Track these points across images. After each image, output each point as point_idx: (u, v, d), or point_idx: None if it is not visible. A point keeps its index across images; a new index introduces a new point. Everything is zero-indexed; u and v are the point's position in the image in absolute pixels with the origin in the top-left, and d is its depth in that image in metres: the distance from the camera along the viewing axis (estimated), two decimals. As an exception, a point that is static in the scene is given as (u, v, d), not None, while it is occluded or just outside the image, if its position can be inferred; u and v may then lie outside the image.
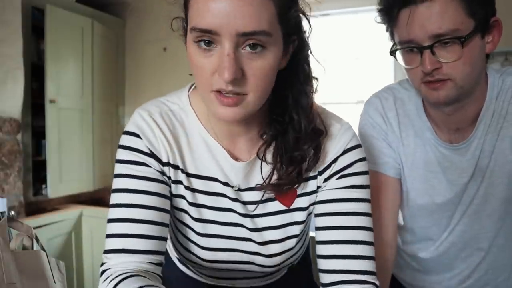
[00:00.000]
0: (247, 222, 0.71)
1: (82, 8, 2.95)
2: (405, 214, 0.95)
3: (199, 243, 0.72)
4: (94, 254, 2.71)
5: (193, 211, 0.70)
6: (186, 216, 0.72)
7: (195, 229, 0.72)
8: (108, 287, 0.58)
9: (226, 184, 0.69)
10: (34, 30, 2.65)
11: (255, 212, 0.71)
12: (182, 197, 0.70)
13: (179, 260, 0.87)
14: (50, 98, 2.62)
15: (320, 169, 0.68)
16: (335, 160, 0.67)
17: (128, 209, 0.63)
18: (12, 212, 2.30)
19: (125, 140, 0.67)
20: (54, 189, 2.69)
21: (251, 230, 0.71)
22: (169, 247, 0.88)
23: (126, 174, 0.65)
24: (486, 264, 0.88)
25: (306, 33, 0.64)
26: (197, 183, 0.69)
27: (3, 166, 2.34)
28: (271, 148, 0.67)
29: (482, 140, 0.80)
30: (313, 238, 0.75)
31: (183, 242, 0.75)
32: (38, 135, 2.72)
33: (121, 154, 0.67)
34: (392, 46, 0.80)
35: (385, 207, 0.87)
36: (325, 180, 0.68)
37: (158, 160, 0.66)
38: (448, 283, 0.93)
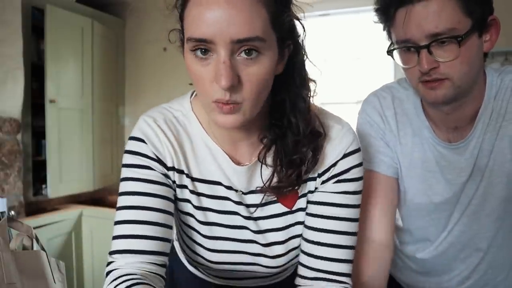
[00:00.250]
0: (250, 224, 0.73)
1: (82, 8, 2.95)
2: (403, 214, 0.95)
3: (205, 245, 0.74)
4: (94, 254, 2.71)
5: (199, 214, 0.72)
6: (192, 219, 0.73)
7: (202, 232, 0.73)
8: None
9: (229, 188, 0.71)
10: (34, 30, 2.65)
11: (258, 215, 0.72)
12: (188, 201, 0.72)
13: (187, 261, 0.88)
14: (50, 98, 2.62)
15: (320, 172, 0.69)
16: (334, 164, 0.68)
17: (134, 211, 0.65)
18: (12, 212, 2.30)
19: (131, 145, 0.68)
20: (54, 189, 2.69)
21: (255, 232, 0.73)
22: (178, 249, 0.90)
23: (132, 178, 0.67)
24: (485, 265, 0.87)
25: (301, 37, 0.65)
26: (202, 187, 0.71)
27: (3, 166, 2.34)
28: (271, 152, 0.68)
29: (481, 139, 0.80)
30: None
31: (190, 245, 0.77)
32: (38, 135, 2.72)
33: (127, 159, 0.68)
34: (390, 45, 0.80)
35: (382, 207, 0.87)
36: (323, 182, 0.70)
37: (163, 164, 0.68)
38: (447, 284, 0.93)
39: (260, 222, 0.73)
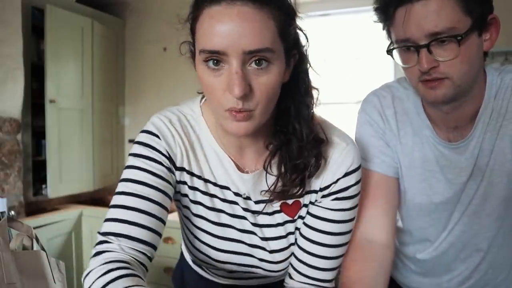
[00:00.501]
0: (258, 231, 0.76)
1: (82, 8, 2.95)
2: (403, 215, 0.94)
3: (214, 245, 0.77)
4: (94, 254, 2.71)
5: (212, 215, 0.75)
6: (204, 221, 0.76)
7: (214, 232, 0.76)
8: (100, 279, 0.59)
9: (236, 194, 0.74)
10: (34, 30, 2.65)
11: (263, 222, 0.76)
12: (200, 203, 0.75)
13: (193, 262, 0.90)
14: (50, 98, 2.62)
15: (322, 186, 0.72)
16: (336, 181, 0.71)
17: (134, 198, 0.66)
18: (12, 212, 2.30)
19: (143, 137, 0.70)
20: (54, 189, 2.69)
21: (262, 239, 0.76)
22: (184, 250, 0.94)
23: (139, 167, 0.68)
24: (486, 264, 0.87)
25: (305, 48, 0.69)
26: (214, 189, 0.74)
27: (3, 166, 2.34)
28: (276, 159, 0.71)
29: (481, 139, 0.79)
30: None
31: (199, 247, 0.79)
32: (38, 135, 2.72)
33: (137, 149, 0.70)
34: (389, 45, 0.79)
35: (383, 207, 0.87)
36: (323, 196, 0.73)
37: (173, 163, 0.70)
38: (447, 285, 0.93)
39: (265, 229, 0.76)
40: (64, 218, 2.64)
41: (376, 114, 0.88)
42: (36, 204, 2.72)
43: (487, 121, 0.79)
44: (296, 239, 0.77)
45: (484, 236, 0.85)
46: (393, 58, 0.78)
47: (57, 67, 2.69)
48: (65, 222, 2.65)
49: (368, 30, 2.52)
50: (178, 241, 2.31)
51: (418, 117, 0.85)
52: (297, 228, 0.77)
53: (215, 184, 0.74)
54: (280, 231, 0.77)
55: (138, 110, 3.35)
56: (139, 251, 0.65)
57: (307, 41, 0.68)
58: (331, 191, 0.72)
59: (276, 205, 0.75)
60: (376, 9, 0.78)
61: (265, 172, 0.71)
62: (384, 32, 0.81)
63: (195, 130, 0.73)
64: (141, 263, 0.65)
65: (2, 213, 0.69)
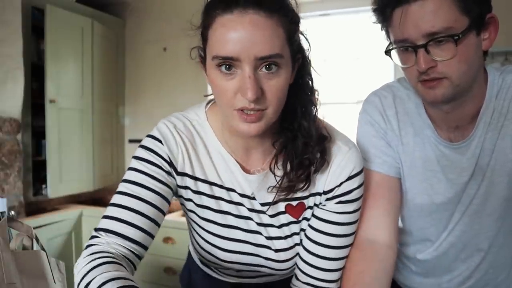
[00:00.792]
0: (263, 230, 0.78)
1: (82, 8, 2.95)
2: (404, 215, 0.94)
3: (221, 246, 0.79)
4: (94, 254, 2.71)
5: (218, 217, 0.78)
6: (210, 223, 0.78)
7: (221, 234, 0.79)
8: (86, 266, 0.62)
9: (242, 195, 0.76)
10: (34, 30, 2.65)
11: (268, 222, 0.78)
12: (207, 207, 0.77)
13: (201, 261, 0.92)
14: (50, 98, 2.62)
15: (326, 189, 0.74)
16: (339, 185, 0.74)
17: (129, 198, 0.69)
18: (12, 212, 2.30)
19: (147, 141, 0.74)
20: (54, 189, 2.69)
21: (267, 238, 0.78)
22: (192, 250, 0.96)
23: (139, 170, 0.71)
24: (486, 264, 0.87)
25: (307, 51, 0.72)
26: (220, 192, 0.76)
27: (3, 166, 2.34)
28: (281, 159, 0.73)
29: (482, 139, 0.79)
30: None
31: (206, 248, 0.81)
32: (38, 135, 2.72)
33: (140, 152, 0.73)
34: (388, 45, 0.79)
35: (385, 207, 0.86)
36: (327, 199, 0.75)
37: (174, 167, 0.73)
38: (447, 285, 0.92)
39: (270, 229, 0.78)
40: (64, 218, 2.64)
41: (377, 114, 0.88)
42: (36, 204, 2.72)
43: (489, 121, 0.79)
44: (301, 241, 0.79)
45: (485, 236, 0.85)
46: (392, 59, 0.79)
47: (57, 67, 2.69)
48: (65, 222, 2.65)
49: (368, 30, 2.52)
50: (178, 241, 2.31)
51: (419, 117, 0.85)
52: (302, 229, 0.79)
53: (221, 187, 0.76)
54: (284, 231, 0.79)
55: (138, 110, 3.35)
56: (128, 249, 0.68)
57: (309, 45, 0.72)
58: (335, 194, 0.74)
59: (281, 206, 0.77)
60: (374, 10, 0.79)
61: (271, 172, 0.74)
62: (383, 32, 0.81)
63: (200, 134, 0.76)
64: (129, 260, 0.68)
65: (2, 213, 0.69)
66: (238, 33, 0.58)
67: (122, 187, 0.71)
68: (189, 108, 0.80)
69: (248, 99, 0.60)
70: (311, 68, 0.73)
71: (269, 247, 0.79)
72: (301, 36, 0.70)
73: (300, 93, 0.72)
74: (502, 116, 0.78)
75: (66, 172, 2.78)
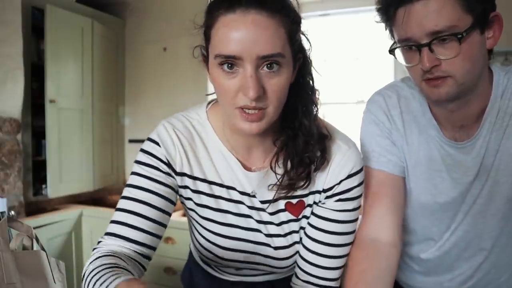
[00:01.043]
0: (262, 228, 0.79)
1: (82, 8, 2.95)
2: (407, 214, 0.94)
3: (220, 244, 0.80)
4: (94, 254, 2.71)
5: (218, 216, 0.79)
6: (210, 222, 0.79)
7: (220, 232, 0.79)
8: (89, 265, 0.65)
9: (242, 193, 0.77)
10: (34, 30, 2.65)
11: (268, 219, 0.78)
12: (206, 206, 0.78)
13: (201, 260, 0.93)
14: (50, 98, 2.62)
15: (326, 187, 0.76)
16: (339, 183, 0.75)
17: (133, 202, 0.72)
18: (12, 212, 2.30)
19: (145, 145, 0.76)
20: (54, 189, 2.69)
21: (266, 235, 0.79)
22: (192, 249, 0.98)
23: (140, 174, 0.74)
24: (489, 264, 0.87)
25: (308, 51, 0.73)
26: (219, 191, 0.77)
27: (3, 166, 2.34)
28: (282, 157, 0.74)
29: (487, 138, 0.79)
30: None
31: (206, 246, 0.82)
32: (38, 135, 2.72)
33: (140, 156, 0.76)
34: (392, 44, 0.80)
35: (389, 206, 0.86)
36: (326, 197, 0.76)
37: (172, 168, 0.75)
38: (448, 284, 0.92)
39: (270, 226, 0.79)
40: (64, 218, 2.64)
41: (381, 114, 0.88)
42: (36, 204, 2.71)
43: (494, 121, 0.79)
44: (301, 239, 0.80)
45: (488, 235, 0.84)
46: (396, 58, 0.79)
47: (57, 67, 2.68)
48: (65, 222, 2.64)
49: (368, 30, 2.52)
50: (178, 241, 2.31)
51: (424, 116, 0.85)
52: (301, 228, 0.80)
53: (221, 185, 0.77)
54: (284, 229, 0.79)
55: (138, 110, 3.35)
56: (134, 251, 0.70)
57: (310, 45, 0.72)
58: (334, 192, 0.75)
59: (281, 204, 0.78)
60: (378, 10, 0.79)
61: (271, 170, 0.75)
62: (387, 32, 0.81)
63: (200, 134, 0.77)
64: (136, 261, 0.70)
65: (2, 213, 0.69)
66: (241, 33, 0.59)
67: (126, 191, 0.74)
68: (191, 108, 0.81)
69: (250, 98, 0.61)
70: (312, 68, 0.74)
71: (268, 245, 0.80)
72: (302, 36, 0.70)
73: (301, 92, 0.73)
74: (507, 116, 0.78)
75: (66, 172, 2.78)
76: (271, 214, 0.78)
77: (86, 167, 2.97)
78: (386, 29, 0.81)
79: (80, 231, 2.75)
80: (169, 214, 0.75)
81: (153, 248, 0.73)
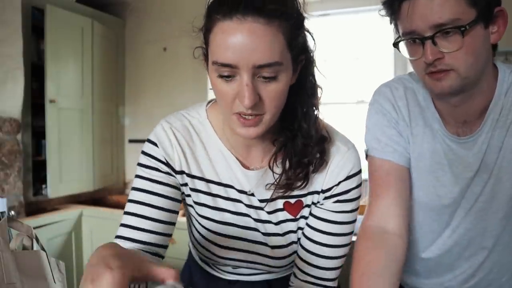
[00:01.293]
0: (260, 227, 0.79)
1: (82, 8, 2.95)
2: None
3: (218, 243, 0.80)
4: (94, 254, 2.70)
5: (215, 214, 0.79)
6: (207, 220, 0.79)
7: (217, 231, 0.80)
8: None
9: (241, 191, 0.77)
10: (34, 30, 2.65)
11: (266, 218, 0.78)
12: (204, 205, 0.79)
13: (200, 258, 0.94)
14: (50, 98, 2.62)
15: (324, 188, 0.76)
16: (338, 184, 0.75)
17: (139, 205, 0.73)
18: (12, 212, 2.30)
19: (145, 146, 0.76)
20: (54, 189, 2.69)
21: (264, 234, 0.79)
22: (191, 247, 0.98)
23: (142, 176, 0.75)
24: (491, 263, 0.87)
25: (311, 51, 0.71)
26: (217, 189, 0.77)
27: (3, 166, 2.34)
28: (281, 156, 0.74)
29: (490, 135, 0.79)
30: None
31: (203, 244, 0.82)
32: (38, 135, 2.72)
33: (141, 159, 0.76)
34: (397, 38, 0.80)
35: (394, 196, 0.85)
36: (325, 198, 0.76)
37: (171, 168, 0.75)
38: (449, 284, 0.92)
39: (267, 225, 0.79)
40: (64, 218, 2.64)
41: (388, 105, 0.88)
42: (36, 204, 2.72)
43: (497, 118, 0.79)
44: (299, 239, 0.80)
45: (490, 234, 0.84)
46: (400, 51, 0.79)
47: (57, 67, 2.69)
48: (65, 222, 2.64)
49: (368, 30, 2.52)
50: (178, 241, 2.31)
51: (428, 110, 0.86)
52: (299, 228, 0.80)
53: (218, 184, 0.77)
54: (282, 228, 0.79)
55: (138, 110, 3.35)
56: (146, 252, 0.71)
57: (314, 43, 0.71)
58: (333, 193, 0.75)
59: (279, 203, 0.78)
60: (383, 3, 0.79)
61: (270, 169, 0.75)
62: (387, 31, 0.82)
63: (199, 132, 0.77)
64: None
65: (2, 213, 0.69)
66: (237, 41, 0.58)
67: (131, 194, 0.75)
68: (191, 107, 0.81)
69: (245, 106, 0.61)
70: (315, 69, 0.73)
71: (265, 244, 0.80)
72: (306, 36, 0.69)
73: (301, 93, 0.72)
74: (511, 114, 0.78)
75: (66, 172, 2.78)
76: (269, 213, 0.78)
77: (86, 167, 2.97)
78: (391, 23, 0.81)
79: (80, 231, 2.75)
80: (176, 212, 0.77)
81: (165, 247, 0.75)
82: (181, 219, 0.83)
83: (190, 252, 1.03)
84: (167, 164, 0.74)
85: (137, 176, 0.76)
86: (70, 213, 2.71)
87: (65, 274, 0.64)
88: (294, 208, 0.78)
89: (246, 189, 0.77)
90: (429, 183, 0.86)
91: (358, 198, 0.78)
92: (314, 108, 0.73)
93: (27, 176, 2.62)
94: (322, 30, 2.71)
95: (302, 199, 0.77)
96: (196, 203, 0.79)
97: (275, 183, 0.74)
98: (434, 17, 0.70)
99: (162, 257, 0.75)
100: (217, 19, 0.61)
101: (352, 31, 2.68)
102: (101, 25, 3.06)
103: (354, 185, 0.76)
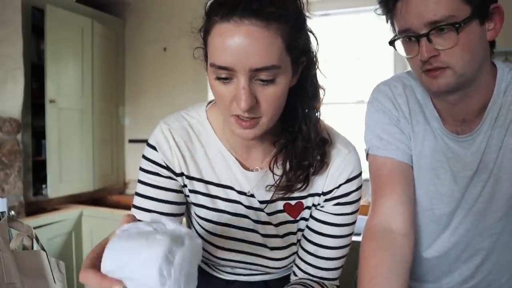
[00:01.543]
0: (259, 228, 0.79)
1: (82, 8, 2.95)
2: None
3: (216, 244, 0.80)
4: (94, 254, 2.70)
5: (214, 216, 0.78)
6: (205, 221, 0.79)
7: (216, 232, 0.79)
8: None
9: (240, 192, 0.76)
10: (34, 30, 2.65)
11: (265, 220, 0.78)
12: (202, 206, 0.79)
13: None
14: (50, 98, 2.62)
15: (325, 190, 0.76)
16: (338, 187, 0.75)
17: (144, 212, 0.74)
18: (12, 212, 2.30)
19: (145, 151, 0.76)
20: (54, 189, 2.69)
21: (263, 235, 0.79)
22: None
23: (144, 182, 0.76)
24: (490, 264, 0.86)
25: (314, 52, 0.70)
26: (216, 190, 0.77)
27: (3, 166, 2.34)
28: (281, 158, 0.74)
29: (489, 134, 0.79)
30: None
31: (203, 245, 0.81)
32: (38, 135, 2.72)
33: (142, 163, 0.76)
34: (393, 36, 0.80)
35: (398, 194, 0.83)
36: (325, 200, 0.76)
37: (171, 171, 0.75)
38: (447, 287, 0.92)
39: (267, 226, 0.79)
40: (64, 218, 2.64)
41: (388, 102, 0.87)
42: (36, 204, 2.71)
43: (495, 117, 0.78)
44: (300, 241, 0.80)
45: (488, 234, 0.84)
46: (396, 49, 0.79)
47: (57, 67, 2.68)
48: (65, 222, 2.64)
49: (369, 30, 2.52)
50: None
51: (426, 108, 0.85)
52: (299, 230, 0.80)
53: (218, 185, 0.77)
54: (282, 230, 0.79)
55: (138, 110, 3.35)
56: None
57: (317, 43, 0.70)
58: (333, 195, 0.75)
59: (280, 205, 0.78)
60: (379, 2, 0.79)
61: (270, 171, 0.75)
62: (387, 30, 0.81)
63: (198, 134, 0.77)
64: None
65: (2, 213, 0.69)
66: (234, 44, 0.58)
67: (136, 201, 0.76)
68: (191, 107, 0.81)
69: (241, 110, 0.60)
70: (317, 70, 0.72)
71: (264, 245, 0.80)
72: (307, 36, 0.68)
73: (302, 94, 0.71)
74: (510, 113, 0.77)
75: (66, 172, 2.78)
76: (269, 214, 0.78)
77: (86, 167, 2.96)
78: (387, 22, 0.81)
79: (80, 231, 2.75)
80: (181, 215, 0.78)
81: None
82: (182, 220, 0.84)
83: None
84: (167, 167, 0.75)
85: (140, 182, 0.76)
86: (70, 213, 2.70)
87: (65, 274, 0.64)
88: (295, 210, 0.78)
89: (246, 190, 0.76)
90: (429, 181, 0.86)
91: (358, 200, 0.78)
92: (315, 109, 0.72)
93: (27, 176, 2.62)
94: (322, 30, 2.70)
95: (303, 200, 0.77)
96: (194, 204, 0.79)
97: (276, 184, 0.74)
98: (429, 14, 0.69)
99: None
100: (215, 21, 0.60)
101: (353, 31, 2.68)
102: (101, 25, 3.06)
103: (354, 188, 0.76)
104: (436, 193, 0.86)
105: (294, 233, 0.80)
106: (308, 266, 0.78)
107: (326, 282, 0.79)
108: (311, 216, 0.79)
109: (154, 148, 0.75)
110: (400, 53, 0.79)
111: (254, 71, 0.59)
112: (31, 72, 2.59)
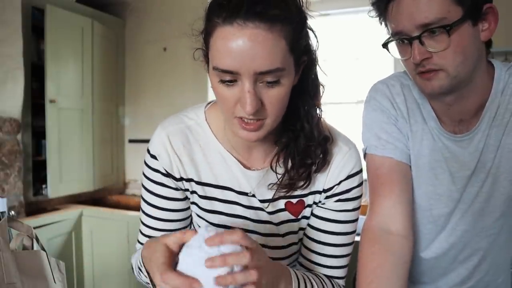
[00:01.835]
0: (260, 228, 0.79)
1: (82, 8, 2.95)
2: None
3: None
4: (94, 254, 2.71)
5: (212, 218, 0.79)
6: (204, 222, 0.80)
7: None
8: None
9: (240, 193, 0.77)
10: (34, 30, 2.65)
11: (266, 219, 0.78)
12: (200, 207, 0.80)
13: None
14: (50, 98, 2.62)
15: (326, 188, 0.76)
16: (339, 184, 0.75)
17: (152, 219, 0.79)
18: (12, 212, 2.30)
19: (147, 158, 0.78)
20: (54, 189, 2.69)
21: (264, 235, 0.79)
22: None
23: (149, 190, 0.78)
24: (487, 265, 0.86)
25: (314, 51, 0.70)
26: (213, 192, 0.77)
27: (3, 166, 2.34)
28: (283, 156, 0.74)
29: (487, 133, 0.79)
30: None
31: None
32: (38, 135, 2.72)
33: (145, 171, 0.78)
34: (387, 39, 0.79)
35: (397, 194, 0.82)
36: (326, 197, 0.77)
37: (173, 177, 0.76)
38: (445, 287, 0.92)
39: (268, 226, 0.79)
40: (64, 218, 2.64)
41: (386, 101, 0.87)
42: (36, 204, 2.71)
43: (493, 116, 0.78)
44: (302, 239, 0.80)
45: (485, 234, 0.84)
46: (389, 51, 0.79)
47: (57, 67, 2.69)
48: (65, 222, 2.64)
49: (368, 30, 2.52)
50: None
51: (424, 108, 0.85)
52: (300, 229, 0.80)
53: (215, 186, 0.77)
54: (283, 229, 0.79)
55: (138, 110, 3.35)
56: None
57: (317, 42, 0.70)
58: (334, 192, 0.76)
59: (281, 204, 0.77)
60: (372, 4, 0.79)
61: (271, 170, 0.75)
62: (383, 27, 0.81)
63: (197, 136, 0.77)
64: None
65: (2, 213, 0.69)
66: (238, 48, 0.57)
67: (143, 207, 0.79)
68: (190, 108, 0.81)
69: (247, 113, 0.60)
70: (317, 68, 0.73)
71: (265, 245, 0.79)
72: (308, 35, 0.68)
73: (304, 93, 0.71)
74: (508, 112, 0.77)
75: (66, 172, 2.78)
76: (270, 213, 0.78)
77: (86, 167, 2.96)
78: (381, 24, 0.80)
79: (80, 231, 2.75)
80: (187, 218, 0.81)
81: None
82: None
83: None
84: (168, 175, 0.76)
85: (144, 188, 0.78)
86: (70, 213, 2.70)
87: (65, 274, 0.64)
88: (296, 208, 0.78)
89: (247, 190, 0.76)
90: (428, 181, 0.86)
91: (359, 197, 0.78)
92: (316, 108, 0.72)
93: (27, 176, 2.62)
94: (322, 30, 2.70)
95: (304, 199, 0.77)
96: (193, 203, 0.80)
97: (278, 183, 0.74)
98: (420, 17, 0.69)
99: None
100: (217, 24, 0.59)
101: (352, 31, 2.68)
102: (101, 25, 3.06)
103: (355, 184, 0.76)
104: (434, 193, 0.85)
105: (295, 232, 0.80)
106: (312, 264, 0.78)
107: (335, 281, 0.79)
108: (312, 214, 0.79)
109: (154, 157, 0.76)
110: (393, 56, 0.79)
111: (259, 74, 0.58)
112: (31, 72, 2.59)
